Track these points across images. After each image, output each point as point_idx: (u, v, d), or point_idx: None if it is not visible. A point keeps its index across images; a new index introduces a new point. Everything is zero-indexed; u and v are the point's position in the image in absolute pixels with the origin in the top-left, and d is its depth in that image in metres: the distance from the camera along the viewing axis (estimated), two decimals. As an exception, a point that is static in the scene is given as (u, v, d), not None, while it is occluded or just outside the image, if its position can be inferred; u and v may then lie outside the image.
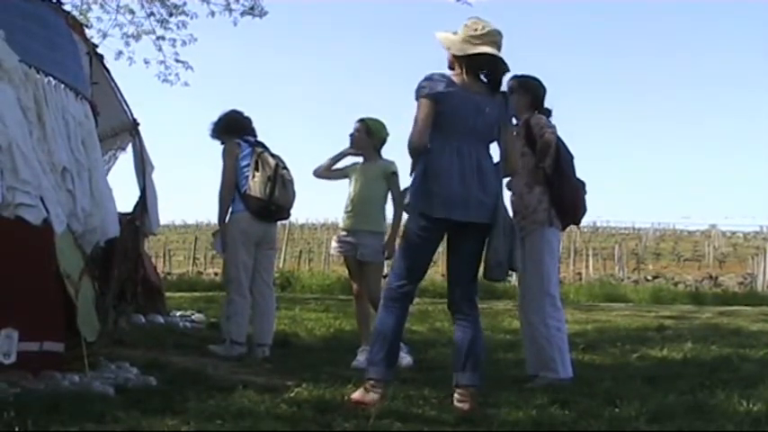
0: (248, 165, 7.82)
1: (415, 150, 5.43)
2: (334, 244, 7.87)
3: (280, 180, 7.76)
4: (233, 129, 8.15)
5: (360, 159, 7.79)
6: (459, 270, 5.60)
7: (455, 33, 5.62)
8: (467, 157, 5.43)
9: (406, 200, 5.56)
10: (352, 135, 7.72)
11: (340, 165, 7.84)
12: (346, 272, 8.47)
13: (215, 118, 8.30)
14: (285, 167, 7.91)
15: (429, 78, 5.48)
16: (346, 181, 7.73)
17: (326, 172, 7.77)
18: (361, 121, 7.68)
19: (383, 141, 7.71)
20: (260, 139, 8.20)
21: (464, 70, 5.55)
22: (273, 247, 8.32)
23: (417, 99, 5.46)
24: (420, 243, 5.48)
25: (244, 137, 8.05)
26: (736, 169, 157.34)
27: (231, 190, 7.85)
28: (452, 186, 5.35)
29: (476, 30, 5.52)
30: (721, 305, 18.46)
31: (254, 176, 7.73)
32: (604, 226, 79.12)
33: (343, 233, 7.66)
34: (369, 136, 7.61)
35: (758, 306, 18.74)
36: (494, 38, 5.55)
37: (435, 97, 5.41)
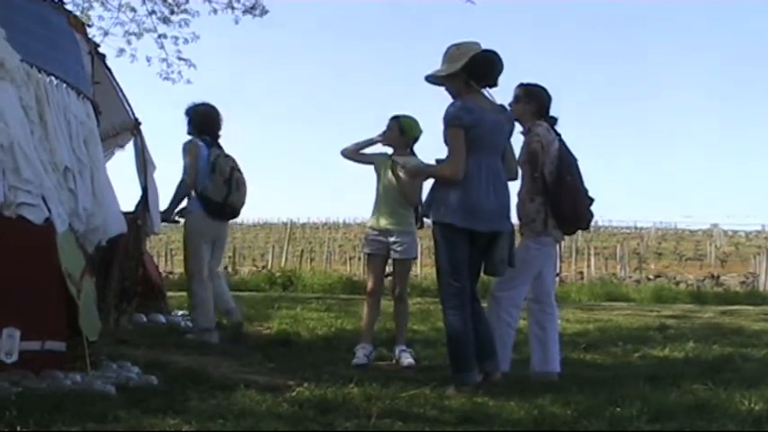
0: (205, 165, 8.36)
1: (459, 181, 5.88)
2: (365, 242, 7.85)
3: (235, 183, 8.43)
4: (205, 125, 8.70)
5: (388, 150, 7.71)
6: (476, 267, 6.10)
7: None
8: (493, 169, 5.99)
9: (436, 214, 6.01)
10: (384, 133, 7.70)
11: (368, 150, 7.75)
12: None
13: (192, 106, 8.80)
14: (239, 170, 8.55)
15: (461, 107, 5.93)
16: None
17: (355, 154, 7.70)
18: (395, 118, 7.59)
19: (416, 139, 7.62)
20: (221, 136, 8.79)
21: (468, 86, 5.93)
22: (225, 240, 9.15)
23: (450, 127, 5.93)
24: (455, 247, 5.96)
25: (204, 136, 8.56)
26: (738, 168, 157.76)
27: (191, 188, 8.41)
28: (485, 200, 5.91)
29: (458, 48, 6.08)
30: (723, 304, 18.42)
31: (211, 179, 8.32)
32: (606, 225, 79.30)
33: (375, 232, 7.59)
34: (401, 134, 7.54)
35: (760, 305, 18.70)
36: (476, 44, 6.10)
37: (468, 126, 5.87)
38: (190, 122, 8.70)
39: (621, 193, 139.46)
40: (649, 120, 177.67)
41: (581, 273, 32.07)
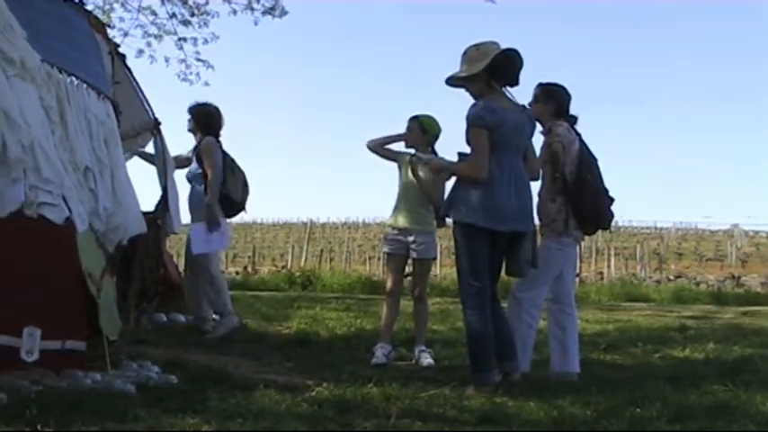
0: (221, 165, 8.63)
1: (482, 181, 5.84)
2: (384, 241, 7.86)
3: (247, 186, 8.95)
4: (210, 125, 8.94)
5: (411, 150, 7.60)
6: (497, 267, 6.09)
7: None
8: (514, 169, 5.97)
9: (457, 214, 5.98)
10: (405, 133, 7.66)
11: (392, 147, 7.73)
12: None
13: (195, 105, 9.02)
14: None
15: (483, 108, 5.89)
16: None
17: (380, 148, 7.68)
18: (415, 118, 7.58)
19: (436, 137, 7.61)
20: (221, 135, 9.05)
21: (490, 86, 5.92)
22: None
23: (473, 127, 5.90)
24: (475, 247, 5.94)
25: (213, 134, 8.83)
26: (759, 168, 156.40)
27: (217, 186, 8.59)
28: (506, 200, 5.88)
29: (477, 49, 6.04)
30: (744, 305, 18.27)
31: (231, 180, 8.71)
32: (626, 226, 78.86)
33: (394, 231, 7.57)
34: (423, 133, 7.52)
35: (781, 306, 18.59)
36: (495, 44, 6.05)
37: (492, 126, 5.83)
38: (195, 121, 8.92)
39: (641, 194, 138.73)
40: (670, 119, 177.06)
41: (601, 273, 31.92)
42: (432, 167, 6.91)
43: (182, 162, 8.70)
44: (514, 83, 6.08)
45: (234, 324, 8.67)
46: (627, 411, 5.11)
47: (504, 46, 6.00)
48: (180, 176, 8.62)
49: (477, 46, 6.05)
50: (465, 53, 6.07)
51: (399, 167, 7.59)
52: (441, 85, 6.21)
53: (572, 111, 6.79)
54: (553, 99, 6.73)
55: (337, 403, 5.08)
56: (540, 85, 6.80)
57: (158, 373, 5.80)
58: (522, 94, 6.32)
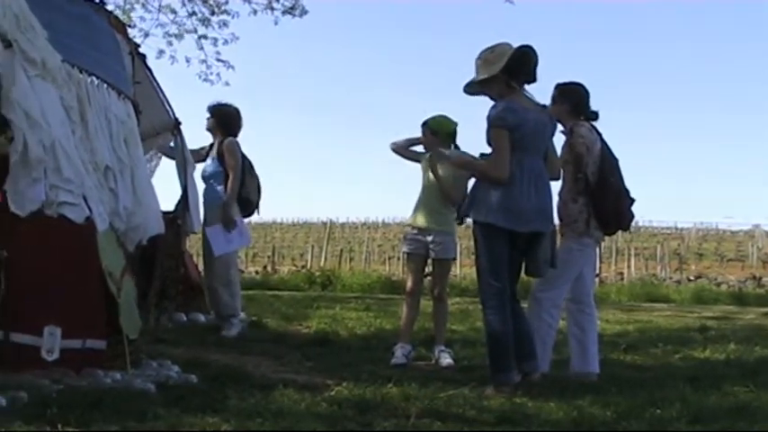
0: (240, 166, 8.75)
1: (502, 181, 5.84)
2: (404, 241, 7.88)
3: (260, 189, 9.17)
4: (230, 126, 9.05)
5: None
6: (516, 267, 6.10)
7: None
8: (535, 169, 5.96)
9: (477, 214, 5.99)
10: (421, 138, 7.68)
11: (415, 148, 7.77)
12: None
13: (216, 105, 9.09)
14: None
15: (504, 108, 5.89)
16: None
17: (403, 150, 7.73)
18: (424, 124, 7.60)
19: (451, 135, 7.60)
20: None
21: (509, 86, 5.99)
22: None
23: (494, 128, 5.89)
24: (495, 247, 5.94)
25: (232, 136, 8.95)
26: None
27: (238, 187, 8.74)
28: (526, 200, 5.87)
29: (492, 51, 6.04)
30: (765, 306, 18.14)
31: (248, 181, 8.87)
32: (646, 226, 78.46)
33: (414, 231, 7.57)
34: (435, 135, 7.53)
35: (802, 307, 18.48)
36: (508, 44, 6.04)
37: (513, 127, 5.83)
38: (215, 121, 9.01)
39: (662, 194, 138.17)
40: (690, 118, 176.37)
41: (621, 273, 31.80)
42: (453, 163, 6.92)
43: (195, 156, 8.71)
44: (532, 79, 6.07)
45: (244, 324, 9.03)
46: (647, 412, 5.10)
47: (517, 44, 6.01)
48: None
49: (490, 49, 6.05)
50: (479, 57, 6.07)
51: (422, 168, 7.59)
52: (461, 85, 6.21)
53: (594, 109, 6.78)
54: (567, 99, 6.72)
55: (357, 403, 5.08)
56: (558, 85, 6.80)
57: (178, 373, 5.82)
58: (543, 92, 6.34)
